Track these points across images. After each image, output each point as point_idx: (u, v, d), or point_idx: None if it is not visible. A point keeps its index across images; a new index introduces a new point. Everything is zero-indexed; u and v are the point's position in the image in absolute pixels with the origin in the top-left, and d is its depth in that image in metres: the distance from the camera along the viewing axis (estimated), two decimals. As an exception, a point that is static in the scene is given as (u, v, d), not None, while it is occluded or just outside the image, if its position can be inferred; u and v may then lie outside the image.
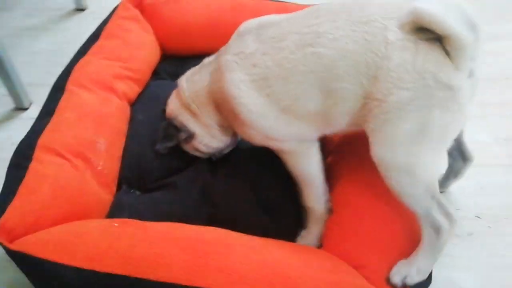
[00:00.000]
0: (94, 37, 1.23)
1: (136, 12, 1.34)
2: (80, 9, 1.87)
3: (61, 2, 1.91)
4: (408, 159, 0.77)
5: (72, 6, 1.88)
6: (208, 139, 1.00)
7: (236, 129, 0.96)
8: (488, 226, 1.10)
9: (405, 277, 0.79)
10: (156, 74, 1.29)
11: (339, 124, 0.86)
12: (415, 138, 0.76)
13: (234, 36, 0.94)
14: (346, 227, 0.88)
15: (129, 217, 0.89)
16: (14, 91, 1.36)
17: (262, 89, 0.84)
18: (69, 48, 1.66)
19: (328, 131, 0.91)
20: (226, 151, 1.07)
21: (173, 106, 1.02)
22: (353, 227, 0.87)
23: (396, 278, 0.79)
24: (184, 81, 1.01)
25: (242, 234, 0.82)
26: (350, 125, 0.85)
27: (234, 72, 0.86)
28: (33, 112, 1.40)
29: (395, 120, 0.75)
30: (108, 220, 0.85)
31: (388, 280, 0.79)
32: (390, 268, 0.81)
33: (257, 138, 0.92)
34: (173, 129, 1.00)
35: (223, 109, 0.93)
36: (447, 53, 0.72)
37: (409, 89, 0.73)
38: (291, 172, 0.94)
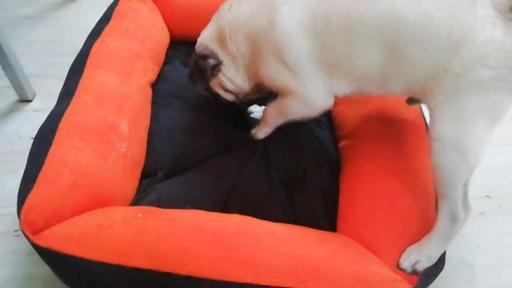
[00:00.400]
0: (104, 19, 1.21)
1: None
2: (76, -3, 1.83)
3: (55, -11, 1.86)
4: (467, 139, 0.75)
5: (67, -7, 1.83)
6: (233, 71, 0.95)
7: (259, 65, 0.91)
8: (499, 205, 1.13)
9: (414, 263, 0.79)
10: (166, 57, 1.28)
11: (391, 88, 0.83)
12: (479, 119, 0.74)
13: None
14: (361, 211, 0.89)
15: (156, 199, 0.89)
16: (17, 83, 1.33)
17: (319, 35, 0.81)
18: (67, 37, 1.65)
19: (369, 90, 0.89)
20: (252, 97, 1.04)
21: (205, 34, 0.97)
22: (367, 211, 0.88)
23: (405, 264, 0.80)
24: (229, 3, 0.95)
25: (266, 222, 0.82)
26: (403, 92, 0.84)
27: (292, 8, 0.82)
28: (38, 104, 1.38)
29: (467, 97, 0.74)
30: (131, 210, 0.83)
31: (397, 265, 0.80)
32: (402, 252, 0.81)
33: (282, 78, 0.88)
34: (202, 59, 0.95)
35: (259, 41, 0.88)
36: None
37: (492, 68, 0.71)
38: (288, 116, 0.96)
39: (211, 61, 0.95)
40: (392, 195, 0.88)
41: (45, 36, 1.64)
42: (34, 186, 0.79)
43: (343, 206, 0.93)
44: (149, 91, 1.11)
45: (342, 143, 1.07)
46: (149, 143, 1.03)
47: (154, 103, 1.11)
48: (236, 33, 0.91)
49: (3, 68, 1.31)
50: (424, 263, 0.80)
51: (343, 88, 0.87)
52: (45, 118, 1.31)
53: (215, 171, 0.98)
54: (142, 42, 1.15)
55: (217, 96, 1.04)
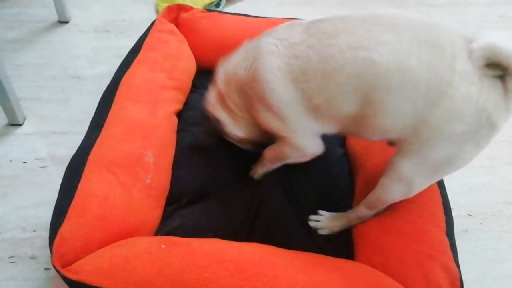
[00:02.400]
0: (135, 50, 1.25)
1: (172, 26, 1.38)
2: (64, 22, 1.83)
3: (43, 14, 1.86)
4: (421, 181, 0.84)
5: (54, 18, 1.83)
6: (233, 127, 0.98)
7: (253, 113, 0.93)
8: (480, 223, 1.21)
9: (320, 228, 0.98)
10: (193, 86, 1.32)
11: (369, 135, 0.85)
12: (442, 166, 0.80)
13: (283, 25, 0.90)
14: (372, 237, 0.93)
15: (180, 226, 0.92)
16: (8, 106, 1.31)
17: (297, 82, 0.82)
18: (56, 61, 1.65)
19: (352, 134, 0.93)
20: (269, 141, 1.01)
21: (208, 96, 1.01)
22: (379, 237, 0.92)
23: (312, 224, 0.98)
24: (221, 63, 0.98)
25: (285, 251, 0.85)
26: (381, 139, 0.86)
27: (272, 57, 0.84)
28: (28, 128, 1.37)
29: (436, 147, 0.77)
30: (155, 240, 0.85)
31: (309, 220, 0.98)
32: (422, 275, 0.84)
33: (273, 124, 0.90)
34: (207, 121, 0.99)
35: (247, 90, 0.90)
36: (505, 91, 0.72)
37: (465, 123, 0.73)
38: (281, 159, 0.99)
39: (213, 123, 0.99)
40: (402, 221, 0.93)
41: (34, 60, 1.63)
42: (65, 220, 0.82)
43: (356, 234, 0.97)
44: (175, 120, 1.15)
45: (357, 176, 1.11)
46: (174, 169, 1.05)
47: (179, 130, 1.15)
48: (228, 88, 0.94)
49: (-5, 91, 1.30)
50: (324, 231, 0.98)
51: (330, 129, 0.89)
52: (36, 141, 1.32)
53: (237, 199, 1.01)
54: (169, 73, 1.20)
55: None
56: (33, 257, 1.04)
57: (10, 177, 1.22)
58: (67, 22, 1.84)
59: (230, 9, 1.98)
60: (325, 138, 0.93)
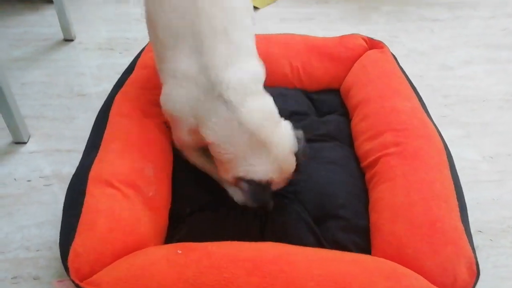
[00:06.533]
0: (129, 70, 1.29)
1: None
2: (69, 40, 1.85)
3: (48, 33, 1.88)
4: None
5: (59, 36, 1.86)
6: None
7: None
8: (490, 239, 1.18)
9: None
10: None
11: None
12: None
13: None
14: (384, 230, 0.92)
15: (187, 233, 0.93)
16: (13, 124, 1.32)
17: None
18: (61, 79, 1.66)
19: None
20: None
21: None
22: (389, 229, 0.91)
23: None
24: None
25: (299, 247, 0.86)
26: None
27: None
28: (32, 146, 1.36)
29: None
30: (170, 247, 0.86)
31: None
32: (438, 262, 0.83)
33: None
34: None
35: None
36: None
37: None
38: None
39: None
40: (417, 211, 0.91)
41: (39, 78, 1.64)
42: (76, 236, 0.83)
43: (371, 229, 0.98)
44: (169, 134, 1.16)
45: (367, 175, 1.12)
46: (174, 184, 1.06)
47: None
48: None
49: (0, 109, 1.30)
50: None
51: None
52: (41, 159, 1.32)
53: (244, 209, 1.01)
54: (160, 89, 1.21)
55: None
56: (36, 278, 1.02)
57: (15, 196, 1.21)
58: (72, 40, 1.86)
59: (233, 25, 2.00)
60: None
